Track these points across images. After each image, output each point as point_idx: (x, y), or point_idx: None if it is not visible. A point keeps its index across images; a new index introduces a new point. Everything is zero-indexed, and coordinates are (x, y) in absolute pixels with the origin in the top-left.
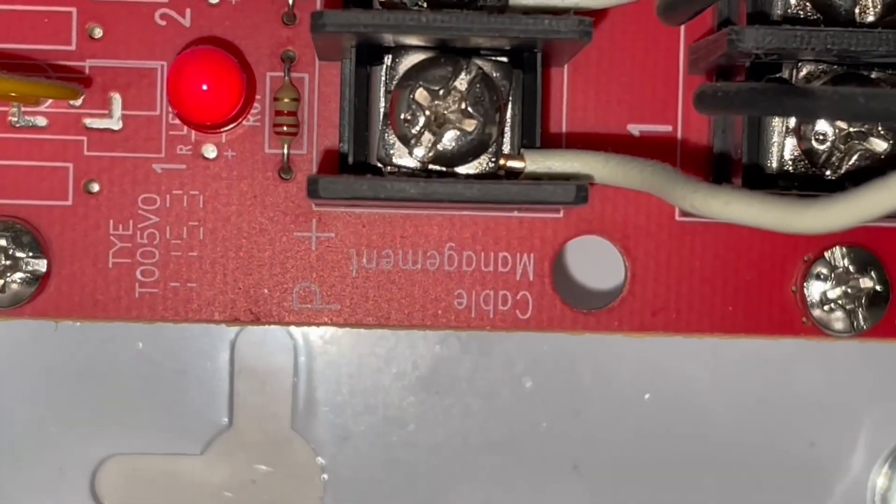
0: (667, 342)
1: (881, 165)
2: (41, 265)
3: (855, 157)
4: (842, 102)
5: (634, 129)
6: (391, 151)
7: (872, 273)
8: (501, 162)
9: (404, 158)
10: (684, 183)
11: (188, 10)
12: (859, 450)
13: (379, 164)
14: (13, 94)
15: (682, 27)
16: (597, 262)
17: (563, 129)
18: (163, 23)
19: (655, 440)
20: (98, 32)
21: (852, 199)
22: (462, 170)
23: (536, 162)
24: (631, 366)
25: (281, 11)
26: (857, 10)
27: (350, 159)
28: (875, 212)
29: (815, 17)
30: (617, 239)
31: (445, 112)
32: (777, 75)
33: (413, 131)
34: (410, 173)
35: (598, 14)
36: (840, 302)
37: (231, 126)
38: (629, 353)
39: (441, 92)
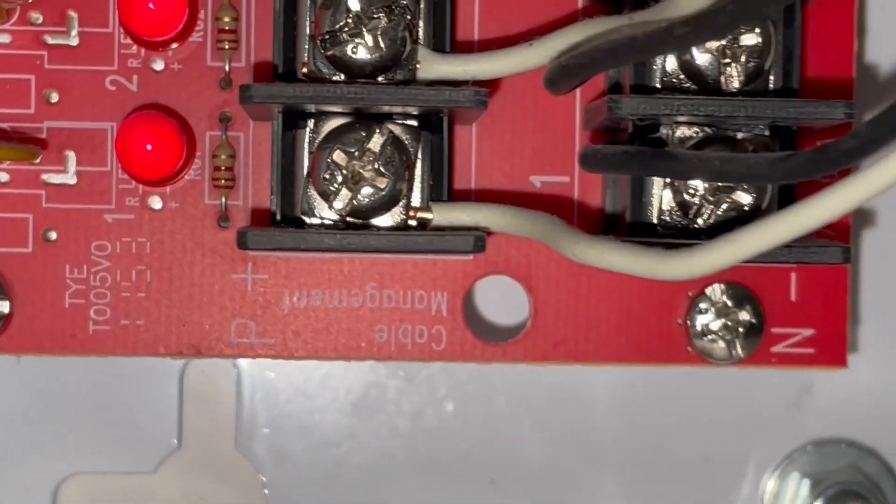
0: (574, 369)
1: (745, 216)
2: (4, 307)
3: (723, 209)
4: (701, 165)
5: (536, 180)
6: (313, 205)
7: (748, 307)
8: (412, 214)
9: (325, 211)
10: (567, 234)
11: (135, 77)
12: (750, 462)
13: (303, 217)
14: None
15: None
16: (504, 299)
17: (473, 186)
18: (112, 88)
19: (564, 456)
20: (55, 97)
21: (707, 251)
22: (378, 221)
23: (443, 214)
24: (542, 390)
25: (218, 77)
26: (722, 79)
27: (278, 214)
28: (727, 262)
29: (689, 84)
30: (521, 278)
31: (361, 171)
32: (656, 135)
33: (332, 188)
34: (332, 225)
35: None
36: (720, 333)
37: (174, 180)
38: (540, 378)
39: (357, 153)
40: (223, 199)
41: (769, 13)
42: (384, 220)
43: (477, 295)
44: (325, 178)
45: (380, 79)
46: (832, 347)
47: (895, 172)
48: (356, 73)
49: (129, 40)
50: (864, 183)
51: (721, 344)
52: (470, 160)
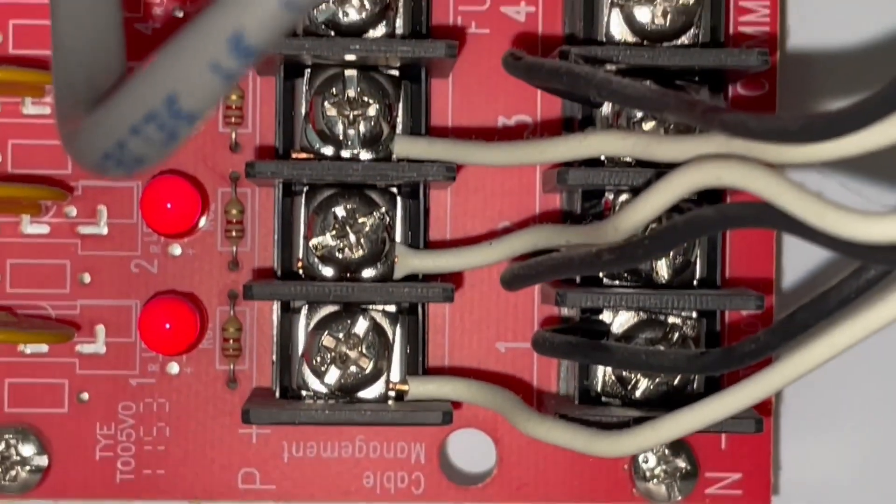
0: None
1: (675, 390)
2: (43, 460)
3: (655, 383)
4: (629, 357)
5: (501, 346)
6: (307, 380)
7: (684, 455)
8: (391, 386)
9: (317, 385)
10: (521, 410)
11: (156, 261)
12: None
13: (300, 391)
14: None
15: None
16: (474, 449)
17: (446, 363)
18: (136, 270)
19: None
20: (87, 279)
21: (633, 435)
22: (363, 393)
23: (418, 387)
24: None
25: (226, 260)
26: (654, 274)
27: (277, 391)
28: (650, 445)
29: (629, 278)
30: (489, 430)
31: (347, 352)
32: (599, 317)
33: (322, 368)
34: (324, 397)
35: None
36: (660, 477)
37: (189, 350)
38: None
39: (343, 337)
40: (231, 366)
41: (678, 247)
42: (369, 392)
43: (450, 445)
44: (316, 359)
45: (364, 272)
46: (758, 490)
47: (782, 381)
48: (343, 268)
49: (150, 230)
50: (764, 383)
51: (662, 487)
52: (444, 337)
